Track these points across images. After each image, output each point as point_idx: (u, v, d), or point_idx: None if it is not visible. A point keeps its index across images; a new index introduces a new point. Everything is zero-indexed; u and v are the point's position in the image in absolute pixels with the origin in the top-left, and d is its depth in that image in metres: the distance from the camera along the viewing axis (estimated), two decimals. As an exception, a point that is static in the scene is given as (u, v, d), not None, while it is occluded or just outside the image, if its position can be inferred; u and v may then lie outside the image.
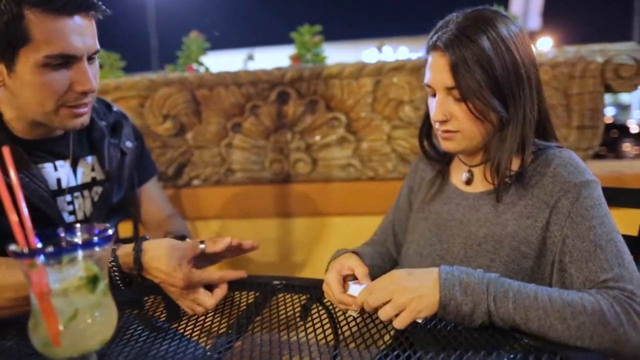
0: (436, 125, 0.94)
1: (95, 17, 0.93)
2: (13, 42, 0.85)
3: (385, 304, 0.76)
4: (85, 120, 0.98)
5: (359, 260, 0.93)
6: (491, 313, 0.73)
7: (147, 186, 1.30)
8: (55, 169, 1.05)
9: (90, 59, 0.93)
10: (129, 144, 1.20)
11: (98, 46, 0.94)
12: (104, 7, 0.93)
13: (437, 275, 0.76)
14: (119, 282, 0.88)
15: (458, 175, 1.03)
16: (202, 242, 0.93)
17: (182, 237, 1.12)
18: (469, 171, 1.00)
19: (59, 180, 1.05)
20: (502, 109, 0.87)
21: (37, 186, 0.98)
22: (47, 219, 1.00)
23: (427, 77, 0.92)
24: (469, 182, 1.00)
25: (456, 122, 0.90)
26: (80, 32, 0.89)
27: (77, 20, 0.88)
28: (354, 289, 0.84)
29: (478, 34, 0.85)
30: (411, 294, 0.75)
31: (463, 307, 0.74)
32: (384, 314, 0.76)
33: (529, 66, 0.88)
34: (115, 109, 1.22)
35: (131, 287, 0.92)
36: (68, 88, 0.91)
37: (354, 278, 0.90)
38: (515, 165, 0.91)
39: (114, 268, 0.87)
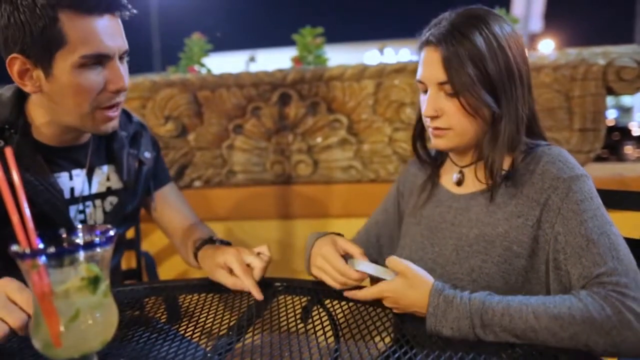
0: (427, 122, 0.93)
1: (121, 17, 0.95)
2: (49, 46, 0.86)
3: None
4: (115, 124, 0.99)
5: (348, 241, 0.94)
6: (480, 339, 0.75)
7: (164, 192, 1.27)
8: (71, 177, 1.05)
9: (120, 58, 0.94)
10: (147, 154, 1.19)
11: (127, 46, 0.95)
12: (130, 6, 0.95)
13: (427, 302, 0.78)
14: None
15: (449, 177, 1.03)
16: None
17: (210, 240, 1.10)
18: (460, 172, 1.00)
19: (72, 189, 1.05)
20: (494, 104, 0.87)
21: (52, 195, 0.98)
22: (55, 226, 0.99)
23: (419, 73, 0.92)
24: (459, 183, 1.00)
25: (447, 119, 0.89)
26: (112, 31, 0.90)
27: (107, 19, 0.90)
28: (365, 265, 0.87)
29: (471, 30, 0.86)
30: (405, 310, 0.82)
31: (450, 337, 0.76)
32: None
33: (522, 64, 0.88)
34: (135, 119, 1.21)
35: None
36: (103, 88, 0.92)
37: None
38: (506, 164, 0.91)
39: None
